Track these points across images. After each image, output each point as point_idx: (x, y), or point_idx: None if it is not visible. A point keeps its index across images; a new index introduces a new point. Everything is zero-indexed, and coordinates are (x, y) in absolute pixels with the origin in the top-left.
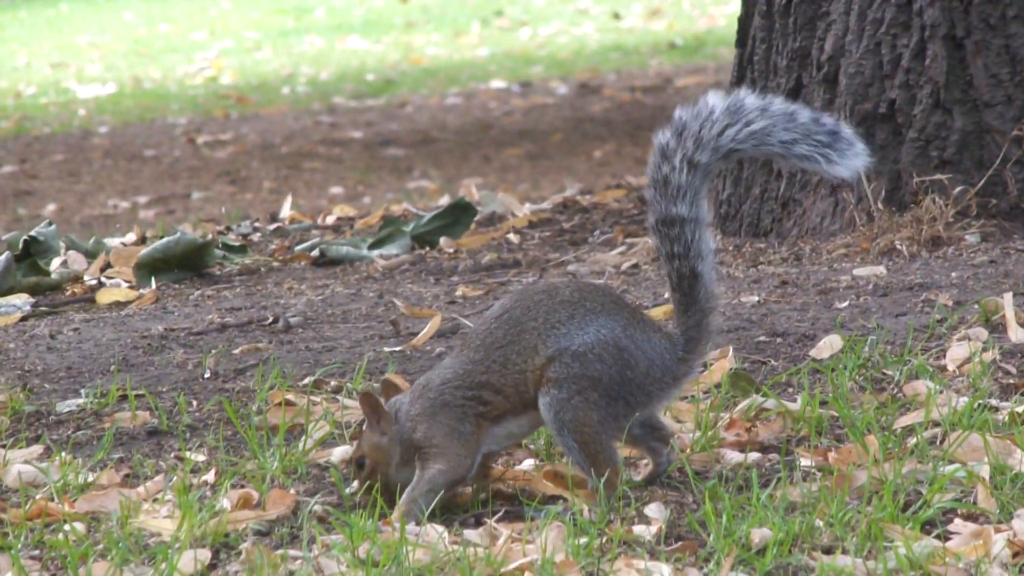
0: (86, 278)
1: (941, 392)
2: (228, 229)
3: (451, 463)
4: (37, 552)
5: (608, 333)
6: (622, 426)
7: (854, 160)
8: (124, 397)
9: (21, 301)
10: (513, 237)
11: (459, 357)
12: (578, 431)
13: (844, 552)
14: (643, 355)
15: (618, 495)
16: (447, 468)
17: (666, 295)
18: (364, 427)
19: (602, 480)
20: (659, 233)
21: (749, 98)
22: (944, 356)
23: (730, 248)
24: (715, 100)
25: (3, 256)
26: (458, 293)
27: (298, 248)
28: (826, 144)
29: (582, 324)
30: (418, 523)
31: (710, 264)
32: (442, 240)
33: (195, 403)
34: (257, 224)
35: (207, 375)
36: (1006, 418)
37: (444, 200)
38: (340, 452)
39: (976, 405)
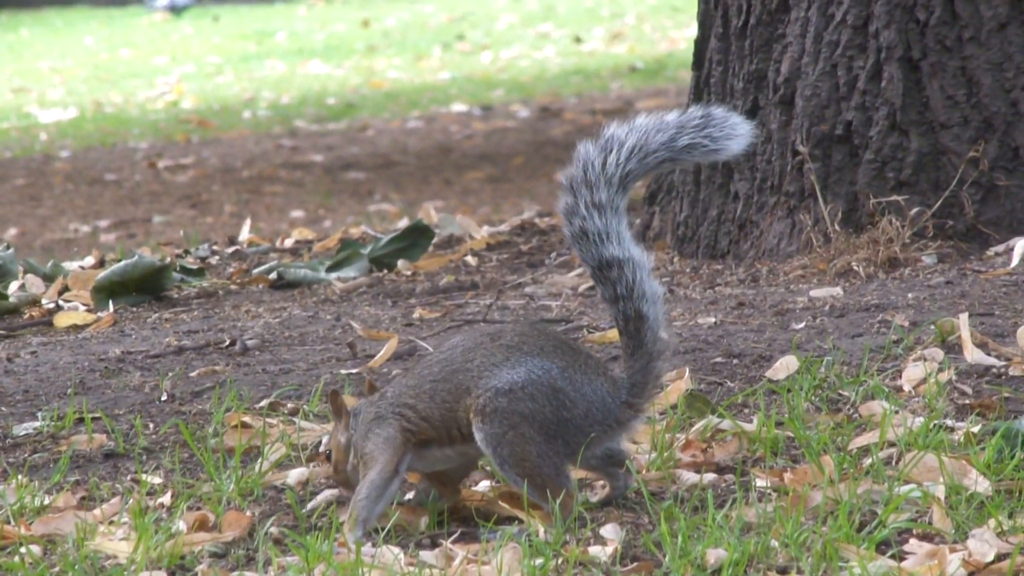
0: (44, 301)
1: (897, 412)
2: (186, 252)
3: (379, 468)
4: None
5: (543, 374)
6: (563, 462)
7: (737, 130)
8: (81, 420)
9: None
10: (471, 259)
11: (402, 378)
12: (519, 465)
13: (799, 572)
14: (582, 397)
15: (573, 517)
16: (375, 475)
17: None
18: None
19: (557, 501)
20: (599, 279)
21: (615, 127)
22: (900, 377)
23: (687, 270)
24: (587, 144)
25: None
26: (415, 315)
27: (256, 271)
28: (703, 127)
29: (515, 364)
30: (365, 524)
31: (657, 307)
32: (400, 263)
33: (151, 426)
34: (215, 247)
35: (164, 398)
36: (961, 438)
37: (403, 223)
38: (296, 474)
39: (932, 425)
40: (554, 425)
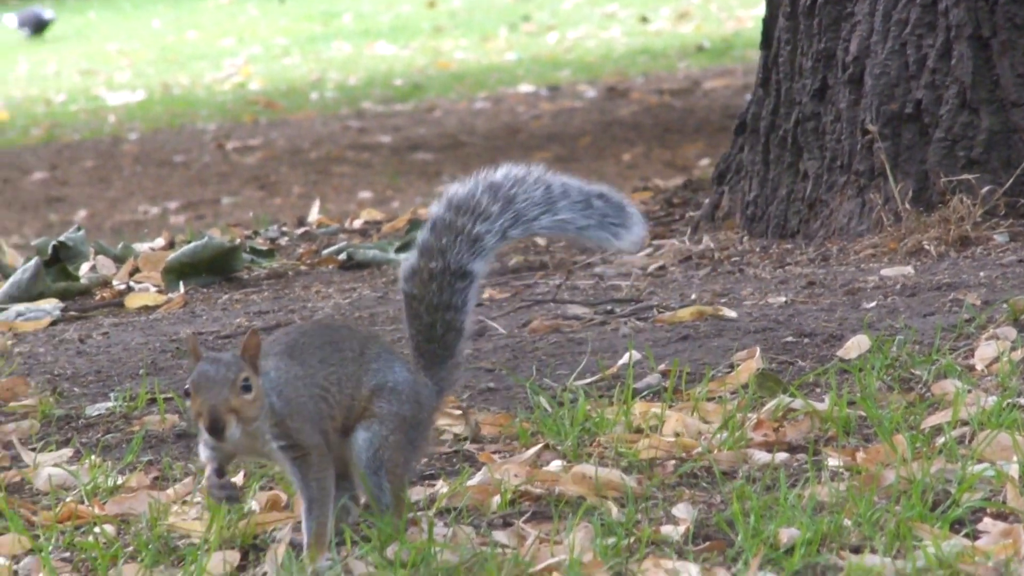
0: (115, 283)
1: (969, 391)
2: (256, 233)
3: (325, 470)
4: (68, 554)
5: (409, 374)
6: (413, 469)
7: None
8: (153, 400)
9: (51, 306)
10: (540, 240)
11: (294, 360)
12: (392, 472)
13: (873, 551)
14: (425, 397)
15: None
16: (326, 480)
17: (692, 296)
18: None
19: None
20: (438, 282)
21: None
22: (972, 355)
23: (757, 249)
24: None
25: (32, 262)
26: (484, 296)
27: (325, 252)
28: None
29: (388, 362)
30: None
31: (471, 320)
32: None
33: None
34: (285, 228)
35: None
36: None
37: None
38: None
39: (1005, 404)
40: (413, 428)
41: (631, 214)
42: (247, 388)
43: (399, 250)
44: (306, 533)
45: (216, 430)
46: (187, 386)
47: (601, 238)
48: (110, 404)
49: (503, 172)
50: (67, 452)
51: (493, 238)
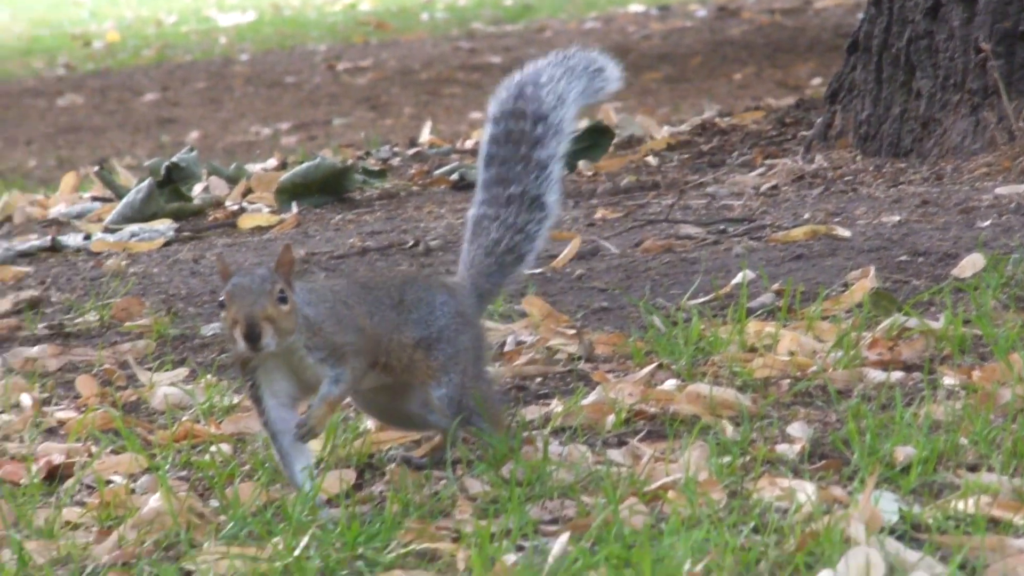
0: (228, 203)
1: None
2: (368, 154)
3: (348, 385)
4: (184, 473)
5: (448, 298)
6: (490, 381)
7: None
8: None
9: (164, 226)
10: (652, 160)
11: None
12: (482, 407)
13: (989, 470)
14: (469, 308)
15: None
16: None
17: (806, 215)
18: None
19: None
20: (516, 205)
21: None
22: None
23: (870, 168)
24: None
25: (146, 183)
26: (597, 216)
27: (437, 172)
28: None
29: (428, 305)
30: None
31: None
32: (580, 163)
33: None
34: (396, 149)
35: None
36: None
37: (583, 123)
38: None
39: None
40: (476, 350)
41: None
42: (283, 299)
43: None
44: (320, 397)
45: (252, 337)
46: (221, 298)
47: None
48: None
49: (514, 87)
50: (183, 371)
51: (556, 162)
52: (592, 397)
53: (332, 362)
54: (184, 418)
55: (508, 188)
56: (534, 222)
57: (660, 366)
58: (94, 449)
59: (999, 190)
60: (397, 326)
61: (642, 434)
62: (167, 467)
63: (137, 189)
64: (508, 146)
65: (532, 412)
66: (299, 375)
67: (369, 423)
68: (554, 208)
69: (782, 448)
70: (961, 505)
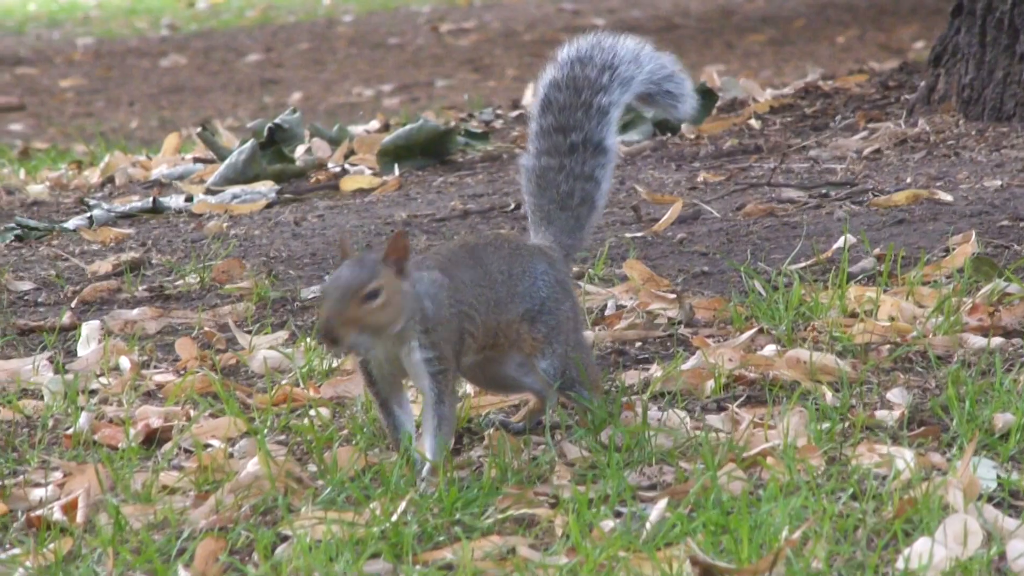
0: (330, 165)
1: None
2: (470, 116)
3: (453, 389)
4: (283, 437)
5: (548, 268)
6: (589, 346)
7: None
8: None
9: (266, 188)
10: (754, 123)
11: (456, 269)
12: (586, 376)
13: None
14: (565, 276)
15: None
16: (453, 399)
17: (907, 180)
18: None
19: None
20: (579, 153)
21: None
22: None
23: (972, 132)
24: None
25: (248, 144)
26: (699, 179)
27: None
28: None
29: (531, 276)
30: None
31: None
32: (683, 126)
33: None
34: (499, 111)
35: None
36: None
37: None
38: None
39: None
40: (574, 318)
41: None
42: (373, 296)
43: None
44: (430, 451)
45: (327, 342)
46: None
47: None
48: None
49: (584, 44)
50: (282, 335)
51: (616, 109)
52: (692, 362)
53: (435, 367)
54: (283, 382)
55: (569, 136)
56: (600, 167)
57: (760, 331)
58: (192, 413)
59: None
60: (507, 303)
61: (741, 399)
62: (265, 431)
63: (239, 151)
64: (569, 92)
65: (631, 377)
66: (403, 361)
67: (468, 387)
68: (615, 149)
69: (881, 414)
70: None
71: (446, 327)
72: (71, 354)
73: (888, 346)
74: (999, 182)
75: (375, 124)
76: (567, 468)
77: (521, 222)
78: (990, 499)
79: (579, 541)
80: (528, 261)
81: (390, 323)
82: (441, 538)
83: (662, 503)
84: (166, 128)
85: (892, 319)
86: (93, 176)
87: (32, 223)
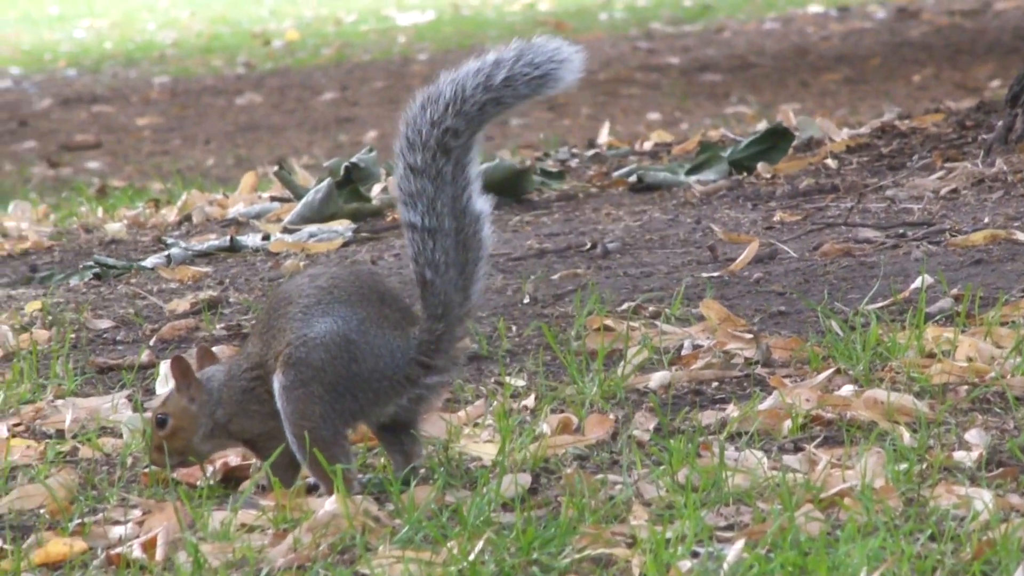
0: None
1: None
2: (546, 155)
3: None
4: (361, 476)
5: (342, 325)
6: (351, 424)
7: (562, 54)
8: None
9: (343, 227)
10: (831, 162)
11: (245, 346)
12: (297, 424)
13: None
14: (371, 351)
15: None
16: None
17: (985, 220)
18: (173, 390)
19: (324, 481)
20: (406, 236)
21: (443, 77)
22: None
23: None
24: (412, 102)
25: (325, 183)
26: (776, 218)
27: (616, 174)
28: (519, 58)
29: (323, 312)
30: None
31: (447, 276)
32: (759, 165)
33: (514, 328)
34: (575, 150)
35: (526, 300)
36: None
37: (761, 125)
38: (659, 377)
39: None
40: (343, 380)
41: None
42: (161, 424)
43: (689, 172)
44: None
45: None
46: None
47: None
48: None
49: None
50: None
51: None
52: (769, 402)
53: (267, 447)
54: None
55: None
56: None
57: (837, 371)
58: None
59: None
60: (279, 337)
61: (818, 440)
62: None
63: (316, 189)
64: None
65: (708, 417)
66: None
67: (544, 426)
68: None
69: (959, 455)
70: None
71: (242, 412)
72: (150, 392)
73: (966, 387)
74: None
75: None
76: (644, 508)
77: (598, 261)
78: None
79: None
80: (332, 303)
81: (187, 440)
82: None
83: (739, 544)
84: (242, 166)
85: (970, 360)
86: (170, 214)
87: (110, 261)
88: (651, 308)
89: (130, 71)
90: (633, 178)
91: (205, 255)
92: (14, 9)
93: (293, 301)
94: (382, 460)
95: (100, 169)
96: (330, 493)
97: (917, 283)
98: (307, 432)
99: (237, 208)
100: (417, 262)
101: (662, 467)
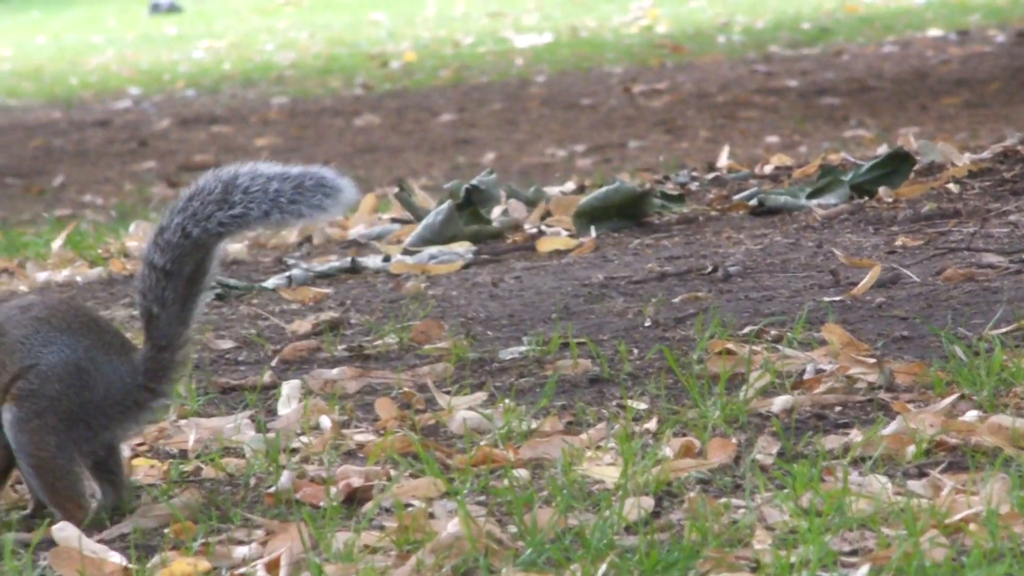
0: (526, 226)
1: None
2: (666, 178)
3: None
4: (483, 498)
5: (70, 354)
6: (84, 450)
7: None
8: (565, 345)
9: (463, 249)
10: (952, 187)
11: None
12: (34, 455)
13: None
14: (102, 378)
15: (85, 524)
16: None
17: None
18: None
19: (65, 512)
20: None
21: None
22: None
23: None
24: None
25: (445, 204)
26: (898, 243)
27: (736, 197)
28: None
29: (46, 342)
30: None
31: (171, 311)
32: (881, 189)
33: (635, 351)
34: (694, 173)
35: (647, 323)
36: None
37: (881, 149)
38: (781, 402)
39: None
40: (78, 407)
41: (321, 182)
42: None
43: (810, 196)
44: None
45: None
46: None
47: (290, 219)
48: (523, 348)
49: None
50: (481, 395)
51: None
52: (892, 427)
53: None
54: (482, 442)
55: None
56: None
57: (962, 396)
58: (393, 472)
59: None
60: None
61: (943, 465)
62: (465, 492)
63: (436, 211)
64: None
65: (831, 441)
66: None
67: (667, 450)
68: None
69: None
70: None
71: None
72: (272, 413)
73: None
74: None
75: (570, 185)
76: (767, 532)
77: (719, 285)
78: None
79: None
80: (55, 330)
81: None
82: None
83: (864, 569)
84: (361, 188)
85: None
86: (291, 235)
87: (232, 282)
88: (773, 332)
89: (248, 92)
90: (754, 201)
91: (326, 276)
92: (133, 30)
93: (7, 332)
94: (505, 481)
95: None
96: (70, 520)
97: None
98: (45, 462)
99: (357, 229)
100: (145, 297)
101: (785, 491)
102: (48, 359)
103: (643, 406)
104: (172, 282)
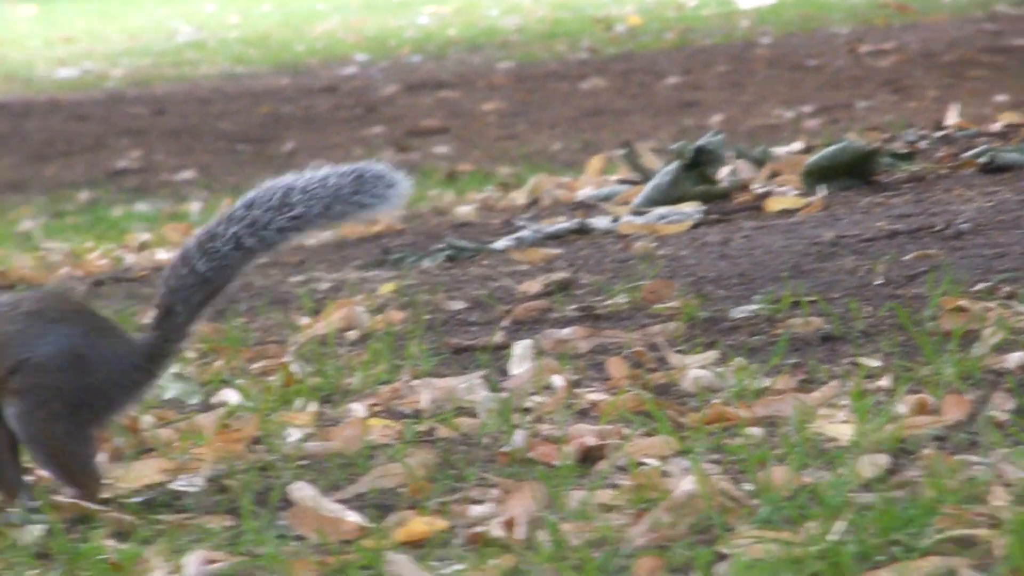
0: (754, 186)
1: None
2: (894, 137)
3: None
4: (716, 456)
5: (68, 342)
6: (91, 433)
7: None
8: (796, 303)
9: (692, 209)
10: None
11: None
12: (46, 444)
13: None
14: (103, 362)
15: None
16: None
17: None
18: None
19: (84, 491)
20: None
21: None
22: None
23: None
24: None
25: (673, 165)
26: None
27: (966, 155)
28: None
29: (42, 334)
30: None
31: (190, 308)
32: None
33: (867, 309)
34: (923, 132)
35: (878, 281)
36: None
37: None
38: (1016, 358)
39: None
40: (80, 392)
41: (377, 177)
42: None
43: None
44: None
45: None
46: None
47: (352, 209)
48: (754, 306)
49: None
50: (713, 354)
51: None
52: None
53: None
54: (715, 401)
55: None
56: None
57: None
58: (626, 431)
59: None
60: None
61: None
62: (699, 450)
63: (664, 172)
64: None
65: None
66: None
67: (901, 407)
68: None
69: None
70: None
71: None
72: (503, 373)
73: None
74: None
75: (797, 145)
76: (1004, 489)
77: (951, 242)
78: None
79: (1021, 563)
80: (45, 320)
81: None
82: (881, 558)
83: None
84: (588, 150)
85: None
86: (519, 198)
87: (463, 244)
88: (1006, 289)
89: (474, 57)
90: (984, 159)
91: (555, 237)
92: None
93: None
94: (738, 439)
95: (448, 154)
96: (89, 498)
97: None
98: (57, 450)
99: (585, 191)
100: (173, 293)
101: (1022, 447)
102: (44, 351)
103: (876, 363)
104: (206, 288)
